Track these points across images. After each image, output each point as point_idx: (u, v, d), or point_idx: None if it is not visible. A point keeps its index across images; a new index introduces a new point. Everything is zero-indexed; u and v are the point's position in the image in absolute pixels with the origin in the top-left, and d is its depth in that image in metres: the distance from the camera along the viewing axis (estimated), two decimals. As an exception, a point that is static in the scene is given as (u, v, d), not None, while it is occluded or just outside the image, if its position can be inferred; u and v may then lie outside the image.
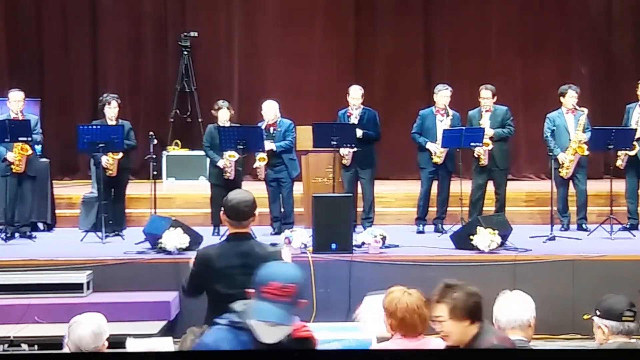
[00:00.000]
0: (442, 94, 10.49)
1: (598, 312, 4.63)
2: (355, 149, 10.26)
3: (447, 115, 10.44)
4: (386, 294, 4.69)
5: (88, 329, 4.64)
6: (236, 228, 5.27)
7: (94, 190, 11.02)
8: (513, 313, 4.50)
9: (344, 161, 10.42)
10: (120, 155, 10.19)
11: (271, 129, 10.40)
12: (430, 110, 10.60)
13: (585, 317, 4.77)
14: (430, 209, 10.66)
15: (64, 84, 13.97)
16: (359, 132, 10.27)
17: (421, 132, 10.56)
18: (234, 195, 5.34)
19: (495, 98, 10.57)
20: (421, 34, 14.03)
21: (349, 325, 7.77)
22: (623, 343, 4.54)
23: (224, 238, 5.71)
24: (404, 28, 13.98)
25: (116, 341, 5.33)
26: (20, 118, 10.03)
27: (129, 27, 14.08)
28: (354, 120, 10.43)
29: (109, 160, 10.14)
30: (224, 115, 10.31)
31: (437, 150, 10.37)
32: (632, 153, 10.13)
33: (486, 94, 10.52)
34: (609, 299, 4.66)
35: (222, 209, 5.31)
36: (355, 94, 10.52)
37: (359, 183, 10.58)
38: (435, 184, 10.59)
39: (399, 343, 4.55)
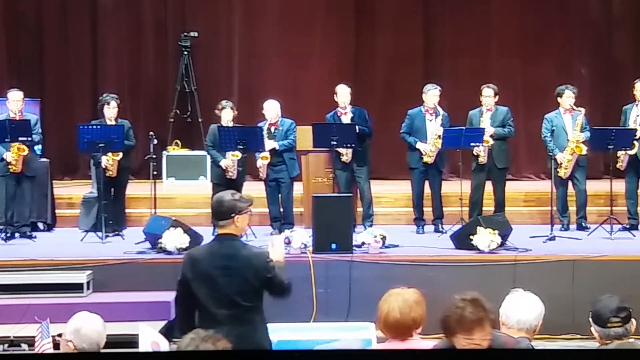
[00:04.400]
0: (431, 94, 10.49)
1: (590, 316, 4.61)
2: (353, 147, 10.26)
3: (437, 115, 10.44)
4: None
5: (94, 330, 4.67)
6: (219, 228, 5.34)
7: (94, 190, 11.02)
8: (525, 315, 4.48)
9: (343, 158, 10.40)
10: (121, 155, 10.19)
11: (272, 129, 10.41)
12: (419, 109, 10.59)
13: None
14: (426, 209, 10.66)
15: (64, 84, 13.97)
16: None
17: (410, 132, 10.55)
18: (218, 194, 5.44)
19: (497, 97, 10.57)
20: (421, 34, 14.03)
21: (349, 325, 7.80)
22: (622, 342, 4.52)
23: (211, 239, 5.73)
24: (404, 28, 13.98)
25: (115, 341, 5.34)
26: (19, 118, 10.04)
27: (129, 27, 14.09)
28: (346, 119, 10.43)
29: (109, 161, 10.14)
30: (227, 115, 10.30)
31: (427, 150, 10.37)
32: (631, 152, 10.14)
33: (488, 93, 10.52)
34: (599, 302, 4.59)
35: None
36: (344, 93, 10.52)
37: (355, 183, 10.57)
38: (426, 184, 10.59)
39: (389, 345, 4.53)
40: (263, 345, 5.30)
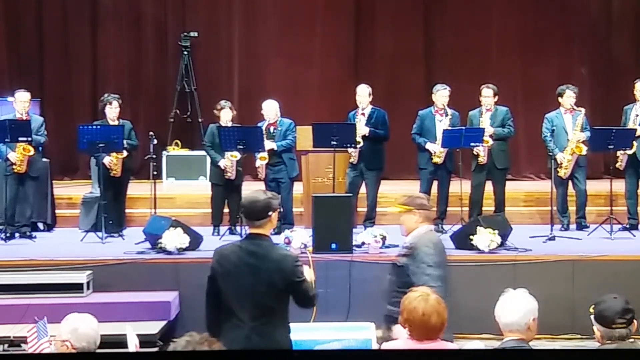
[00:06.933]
0: (441, 94, 10.48)
1: (593, 314, 4.58)
2: (360, 147, 10.23)
3: (447, 115, 10.43)
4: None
5: (92, 329, 4.68)
6: (252, 228, 5.35)
7: (94, 190, 11.02)
8: (510, 317, 4.47)
9: (351, 159, 10.40)
10: (125, 154, 10.20)
11: (271, 129, 10.41)
12: (429, 110, 10.59)
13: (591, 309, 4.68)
14: (430, 209, 10.65)
15: (64, 84, 13.97)
16: (366, 130, 10.26)
17: (420, 133, 10.54)
18: (249, 194, 5.47)
19: (497, 98, 10.57)
20: (421, 34, 14.03)
21: (349, 325, 7.79)
22: (623, 342, 4.51)
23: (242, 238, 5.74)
24: (404, 28, 13.98)
25: (116, 341, 5.34)
26: (25, 119, 10.04)
27: (129, 27, 14.09)
28: (362, 119, 10.42)
29: (113, 160, 10.14)
30: (226, 115, 10.30)
31: (437, 151, 10.37)
32: (629, 152, 10.14)
33: (487, 93, 10.52)
34: (604, 302, 4.54)
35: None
36: (363, 93, 10.51)
37: (363, 183, 10.56)
38: (434, 185, 10.58)
39: (407, 344, 4.53)
40: (282, 346, 5.27)
